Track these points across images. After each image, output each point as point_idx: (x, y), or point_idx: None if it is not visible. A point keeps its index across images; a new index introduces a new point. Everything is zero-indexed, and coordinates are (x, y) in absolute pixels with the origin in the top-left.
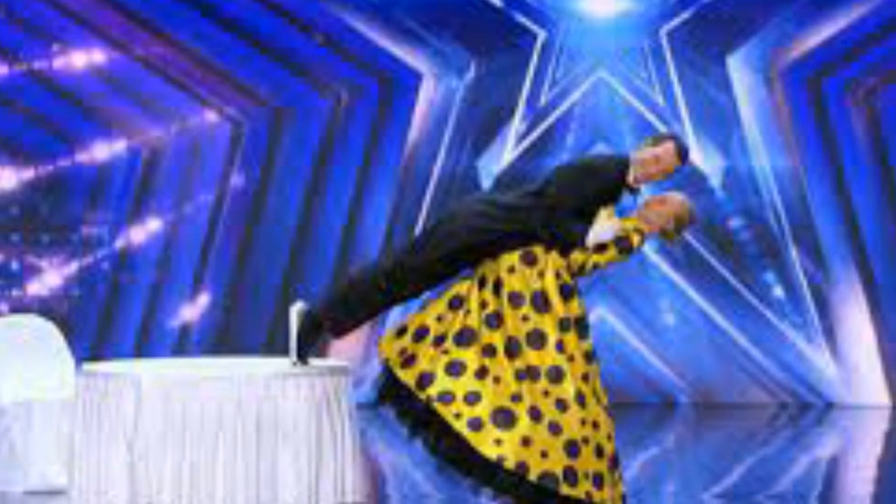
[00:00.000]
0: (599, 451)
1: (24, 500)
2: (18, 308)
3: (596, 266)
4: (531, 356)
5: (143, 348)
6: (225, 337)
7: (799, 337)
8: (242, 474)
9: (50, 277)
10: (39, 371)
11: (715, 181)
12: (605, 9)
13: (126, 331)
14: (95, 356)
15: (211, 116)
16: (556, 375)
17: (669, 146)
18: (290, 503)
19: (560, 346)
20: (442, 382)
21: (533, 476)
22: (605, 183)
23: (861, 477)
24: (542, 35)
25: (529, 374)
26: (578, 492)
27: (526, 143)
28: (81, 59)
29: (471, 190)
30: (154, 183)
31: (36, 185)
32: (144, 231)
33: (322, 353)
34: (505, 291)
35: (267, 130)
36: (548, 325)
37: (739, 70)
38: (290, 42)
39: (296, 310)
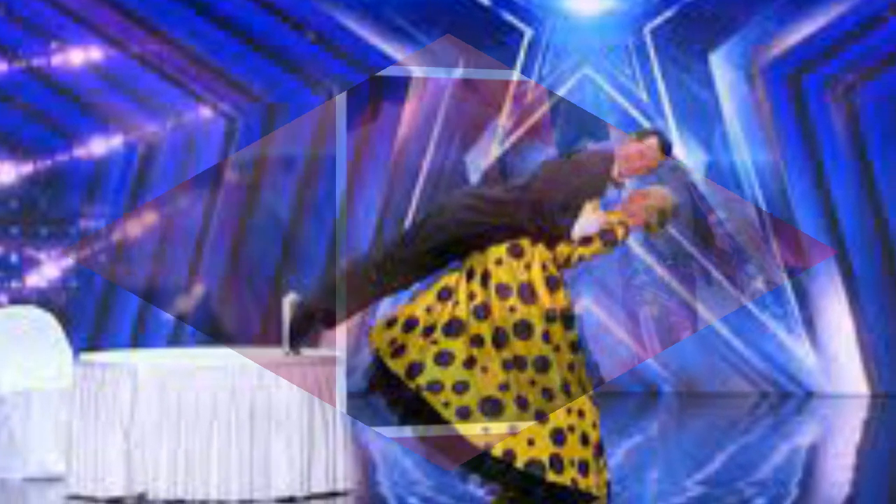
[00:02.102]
0: (585, 439)
1: (22, 487)
2: (17, 299)
3: (581, 258)
4: (518, 346)
5: (140, 338)
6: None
7: (780, 328)
8: (236, 462)
9: (48, 269)
10: (38, 361)
11: (697, 176)
12: (590, 7)
13: (123, 321)
14: (93, 346)
15: (205, 112)
16: (543, 365)
17: (653, 142)
18: (282, 490)
19: (546, 337)
20: (431, 372)
21: (520, 463)
22: (591, 177)
23: (840, 464)
24: (528, 33)
25: (516, 363)
26: (564, 478)
27: (513, 138)
28: (79, 56)
29: (459, 184)
30: (150, 177)
31: (35, 180)
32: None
33: (314, 344)
34: (492, 283)
35: (260, 126)
36: (534, 315)
37: (721, 67)
38: (282, 40)
39: (288, 301)
